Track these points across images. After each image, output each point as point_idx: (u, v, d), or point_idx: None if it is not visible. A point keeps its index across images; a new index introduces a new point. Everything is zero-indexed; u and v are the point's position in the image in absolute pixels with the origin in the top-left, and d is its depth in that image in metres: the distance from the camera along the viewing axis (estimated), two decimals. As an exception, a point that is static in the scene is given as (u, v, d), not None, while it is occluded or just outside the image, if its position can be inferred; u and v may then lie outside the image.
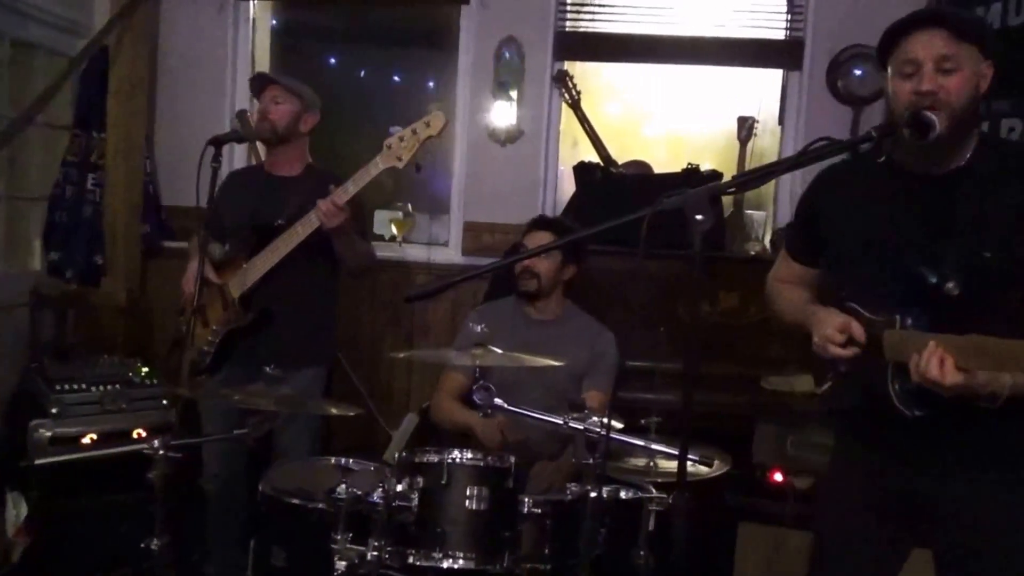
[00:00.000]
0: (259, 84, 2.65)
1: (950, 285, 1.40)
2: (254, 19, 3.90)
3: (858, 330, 1.48)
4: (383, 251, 3.74)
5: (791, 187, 3.49)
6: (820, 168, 1.65)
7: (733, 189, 1.51)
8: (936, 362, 1.32)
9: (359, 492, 1.82)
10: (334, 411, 2.20)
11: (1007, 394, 1.36)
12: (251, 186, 2.69)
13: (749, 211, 3.50)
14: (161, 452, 1.80)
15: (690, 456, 1.76)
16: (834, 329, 1.50)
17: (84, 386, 2.85)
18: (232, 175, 2.88)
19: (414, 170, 2.41)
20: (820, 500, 1.85)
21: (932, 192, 1.49)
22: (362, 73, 4.48)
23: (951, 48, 1.41)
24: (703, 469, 1.98)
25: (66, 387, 2.82)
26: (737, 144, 3.42)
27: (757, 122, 3.43)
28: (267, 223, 2.50)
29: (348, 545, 1.80)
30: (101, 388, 2.87)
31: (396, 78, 4.36)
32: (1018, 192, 1.44)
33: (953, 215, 1.47)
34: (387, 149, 2.35)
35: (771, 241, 3.43)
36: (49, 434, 2.71)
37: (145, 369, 3.07)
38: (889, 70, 1.50)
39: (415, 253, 3.73)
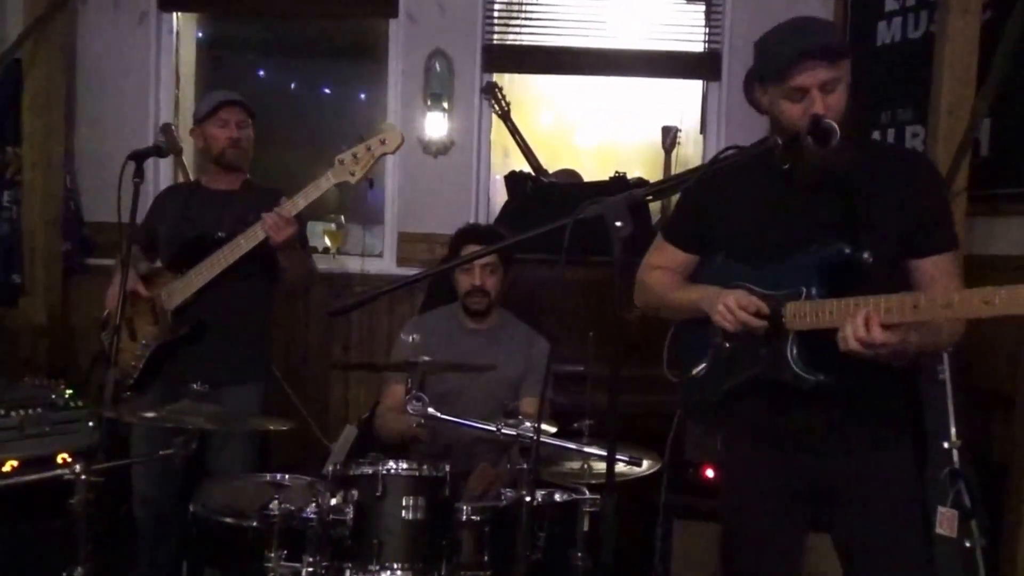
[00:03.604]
0: (221, 104, 2.55)
1: (865, 255, 1.52)
2: (178, 31, 3.83)
3: (760, 303, 1.58)
4: (317, 263, 3.73)
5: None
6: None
7: (650, 197, 1.56)
8: (862, 322, 1.39)
9: (292, 508, 1.81)
10: (271, 426, 2.17)
11: (913, 350, 1.47)
12: (186, 201, 2.63)
13: (676, 217, 3.60)
14: (83, 477, 1.75)
15: (619, 457, 1.82)
16: (737, 302, 1.59)
17: (3, 411, 2.74)
18: (167, 191, 2.84)
19: (367, 185, 2.40)
20: (724, 489, 1.91)
21: (830, 191, 1.64)
22: (292, 85, 4.43)
23: (831, 72, 1.58)
24: (635, 469, 2.04)
25: (-16, 412, 2.70)
26: (663, 152, 3.52)
27: (680, 131, 3.54)
28: (205, 235, 2.45)
29: (282, 562, 1.79)
30: (22, 412, 2.75)
31: (326, 90, 4.33)
32: (900, 189, 1.62)
33: (850, 207, 1.61)
34: (339, 164, 2.32)
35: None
36: (-34, 462, 2.60)
37: (68, 391, 2.95)
38: (772, 90, 1.64)
39: (349, 264, 3.71)
